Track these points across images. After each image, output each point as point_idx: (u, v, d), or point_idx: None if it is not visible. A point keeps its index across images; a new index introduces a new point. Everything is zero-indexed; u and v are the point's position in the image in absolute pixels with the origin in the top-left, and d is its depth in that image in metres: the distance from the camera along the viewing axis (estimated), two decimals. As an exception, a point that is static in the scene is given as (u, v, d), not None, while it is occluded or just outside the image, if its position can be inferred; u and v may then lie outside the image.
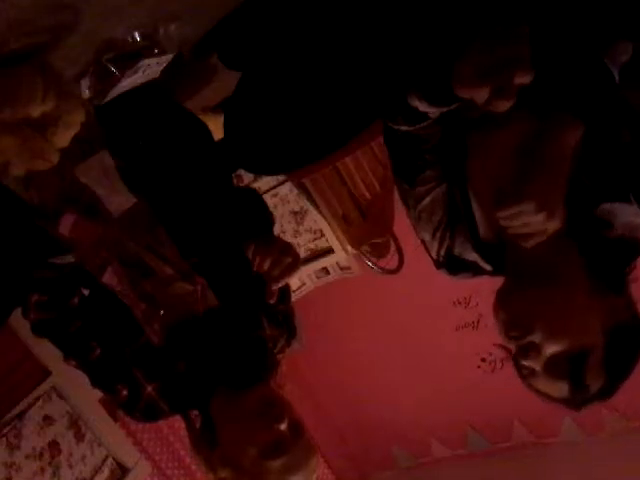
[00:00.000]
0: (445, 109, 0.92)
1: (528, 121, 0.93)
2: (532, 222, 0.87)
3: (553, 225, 0.88)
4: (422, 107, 0.92)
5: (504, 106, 0.81)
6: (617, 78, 0.84)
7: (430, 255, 1.13)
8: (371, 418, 3.75)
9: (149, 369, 1.10)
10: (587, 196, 0.91)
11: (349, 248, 2.44)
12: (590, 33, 0.85)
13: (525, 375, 0.95)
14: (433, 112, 0.93)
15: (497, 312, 0.96)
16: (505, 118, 0.90)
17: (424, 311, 3.42)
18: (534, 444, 3.44)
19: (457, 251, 1.07)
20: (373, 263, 2.71)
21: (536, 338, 0.90)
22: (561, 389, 0.92)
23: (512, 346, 0.95)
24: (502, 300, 0.96)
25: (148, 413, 1.12)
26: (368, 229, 2.43)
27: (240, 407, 1.07)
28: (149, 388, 1.09)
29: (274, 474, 1.03)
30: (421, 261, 3.32)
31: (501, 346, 0.99)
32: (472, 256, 1.06)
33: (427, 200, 1.06)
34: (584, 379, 0.90)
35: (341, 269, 2.88)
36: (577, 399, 0.93)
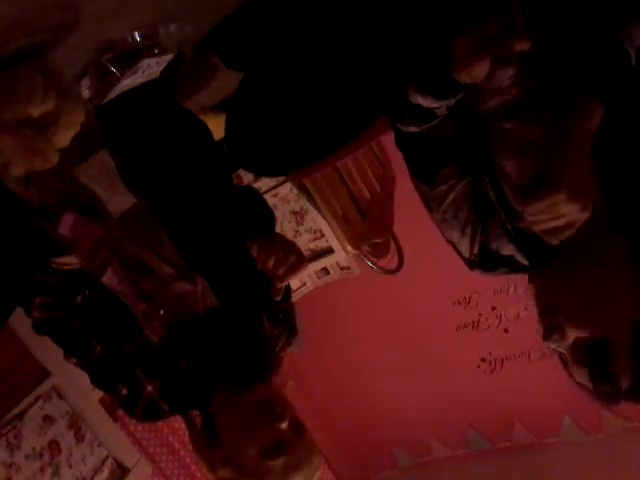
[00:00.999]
0: (450, 101, 0.91)
1: (549, 111, 0.92)
2: (564, 213, 0.84)
3: (584, 216, 0.86)
4: (425, 103, 0.91)
5: (506, 75, 0.80)
6: (634, 60, 0.83)
7: (461, 256, 1.10)
8: (371, 418, 3.75)
9: (149, 368, 1.10)
10: (634, 180, 0.90)
11: (349, 248, 2.44)
12: (607, 15, 0.83)
13: (563, 362, 0.94)
14: (438, 107, 0.92)
15: (530, 290, 0.95)
16: (524, 109, 0.90)
17: (424, 311, 3.43)
18: (534, 444, 3.44)
19: (494, 246, 1.04)
20: (373, 263, 2.71)
21: (562, 321, 0.89)
22: (585, 377, 0.91)
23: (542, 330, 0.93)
24: (534, 279, 0.94)
25: (149, 413, 1.12)
26: (368, 229, 2.43)
27: (241, 406, 1.06)
28: (149, 387, 1.09)
29: (275, 474, 1.03)
30: (421, 261, 3.31)
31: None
32: (509, 249, 1.03)
33: (450, 198, 1.04)
34: (607, 370, 0.87)
35: (341, 269, 2.88)
36: (604, 392, 0.90)
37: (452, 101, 0.92)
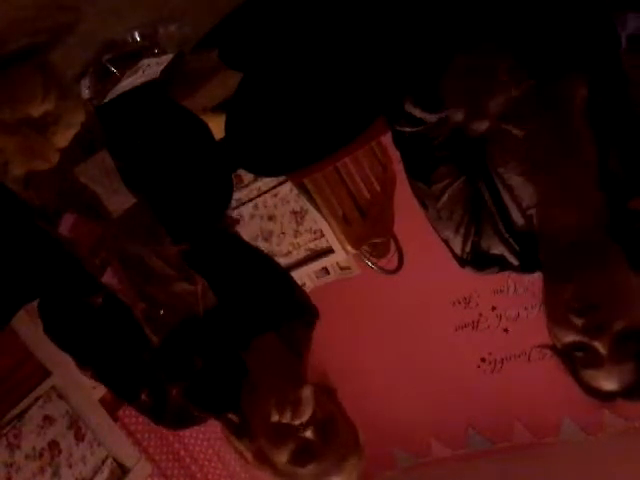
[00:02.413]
0: (440, 113, 0.92)
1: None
2: None
3: None
4: (417, 113, 0.92)
5: (479, 128, 0.80)
6: (624, 45, 0.84)
7: (453, 253, 1.11)
8: (371, 418, 3.74)
9: (169, 372, 1.08)
10: (621, 189, 0.92)
11: (349, 248, 2.44)
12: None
13: (585, 364, 0.92)
14: (429, 118, 0.93)
15: (554, 300, 0.94)
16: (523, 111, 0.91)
17: (424, 311, 3.42)
18: (534, 444, 3.44)
19: (484, 245, 1.06)
20: (373, 263, 2.71)
21: (605, 313, 0.89)
22: (625, 372, 0.90)
23: (571, 336, 0.92)
24: (558, 287, 0.94)
25: (179, 418, 1.10)
26: (368, 229, 2.43)
27: (265, 407, 1.02)
28: (173, 391, 1.07)
29: (307, 478, 1.00)
30: (421, 261, 3.31)
31: (545, 346, 0.98)
32: (499, 249, 1.04)
33: (445, 197, 1.05)
34: None
35: (341, 269, 2.88)
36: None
37: (443, 113, 0.92)
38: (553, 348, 0.97)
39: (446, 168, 1.03)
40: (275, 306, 1.18)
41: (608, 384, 0.92)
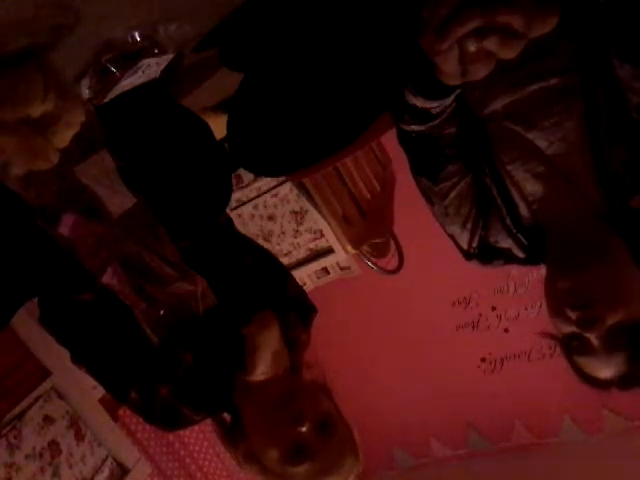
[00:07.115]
0: (444, 101, 0.91)
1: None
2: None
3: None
4: (420, 103, 0.91)
5: (482, 69, 0.73)
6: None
7: (459, 247, 1.13)
8: (371, 418, 3.75)
9: (159, 370, 1.07)
10: (624, 187, 0.93)
11: (349, 248, 2.44)
12: None
13: (580, 352, 0.95)
14: (434, 107, 0.92)
15: (553, 292, 0.96)
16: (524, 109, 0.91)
17: (424, 311, 3.43)
18: (534, 444, 3.45)
19: (492, 239, 1.08)
20: (373, 263, 2.71)
21: (598, 309, 0.91)
22: (617, 362, 0.92)
23: (567, 327, 0.94)
24: (557, 280, 0.96)
25: (167, 418, 1.08)
26: (368, 229, 2.43)
27: (259, 401, 1.02)
28: (162, 390, 1.05)
29: (300, 479, 0.97)
30: (421, 261, 3.32)
31: (546, 334, 1.00)
32: (507, 243, 1.07)
33: (453, 194, 1.06)
34: None
35: (341, 269, 2.88)
36: (632, 374, 0.93)
37: (447, 100, 0.91)
38: (555, 337, 1.00)
39: (454, 166, 1.04)
40: (267, 291, 1.17)
41: (602, 372, 0.95)
